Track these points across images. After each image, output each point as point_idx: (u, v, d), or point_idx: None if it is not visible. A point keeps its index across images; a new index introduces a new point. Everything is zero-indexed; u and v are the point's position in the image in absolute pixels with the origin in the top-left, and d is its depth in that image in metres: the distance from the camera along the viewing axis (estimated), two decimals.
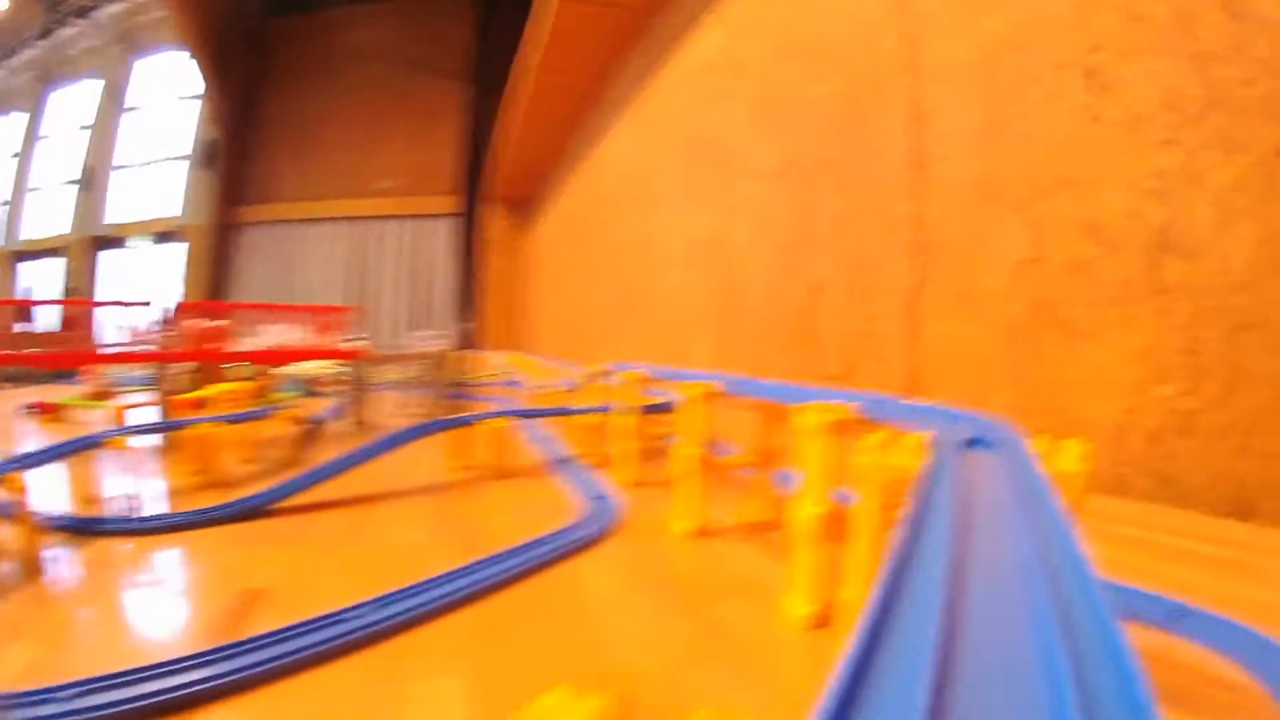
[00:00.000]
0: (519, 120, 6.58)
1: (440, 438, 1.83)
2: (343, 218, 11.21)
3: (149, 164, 11.92)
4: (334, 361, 3.20)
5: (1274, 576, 0.99)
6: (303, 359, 3.02)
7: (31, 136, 12.68)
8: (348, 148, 11.21)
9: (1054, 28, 1.51)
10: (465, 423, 1.85)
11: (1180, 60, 1.25)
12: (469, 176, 9.98)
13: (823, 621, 0.83)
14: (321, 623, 0.84)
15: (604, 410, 1.97)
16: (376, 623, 0.85)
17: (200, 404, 2.34)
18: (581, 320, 5.96)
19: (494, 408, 2.41)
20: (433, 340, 3.33)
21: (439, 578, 0.99)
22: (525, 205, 9.59)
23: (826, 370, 2.28)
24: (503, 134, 7.55)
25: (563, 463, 1.90)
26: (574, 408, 2.19)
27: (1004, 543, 0.35)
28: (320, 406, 2.89)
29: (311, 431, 2.34)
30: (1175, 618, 0.71)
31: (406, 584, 0.96)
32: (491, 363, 5.93)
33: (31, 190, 12.56)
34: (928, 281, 1.90)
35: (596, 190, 5.56)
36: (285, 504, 1.45)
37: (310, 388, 3.52)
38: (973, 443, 0.62)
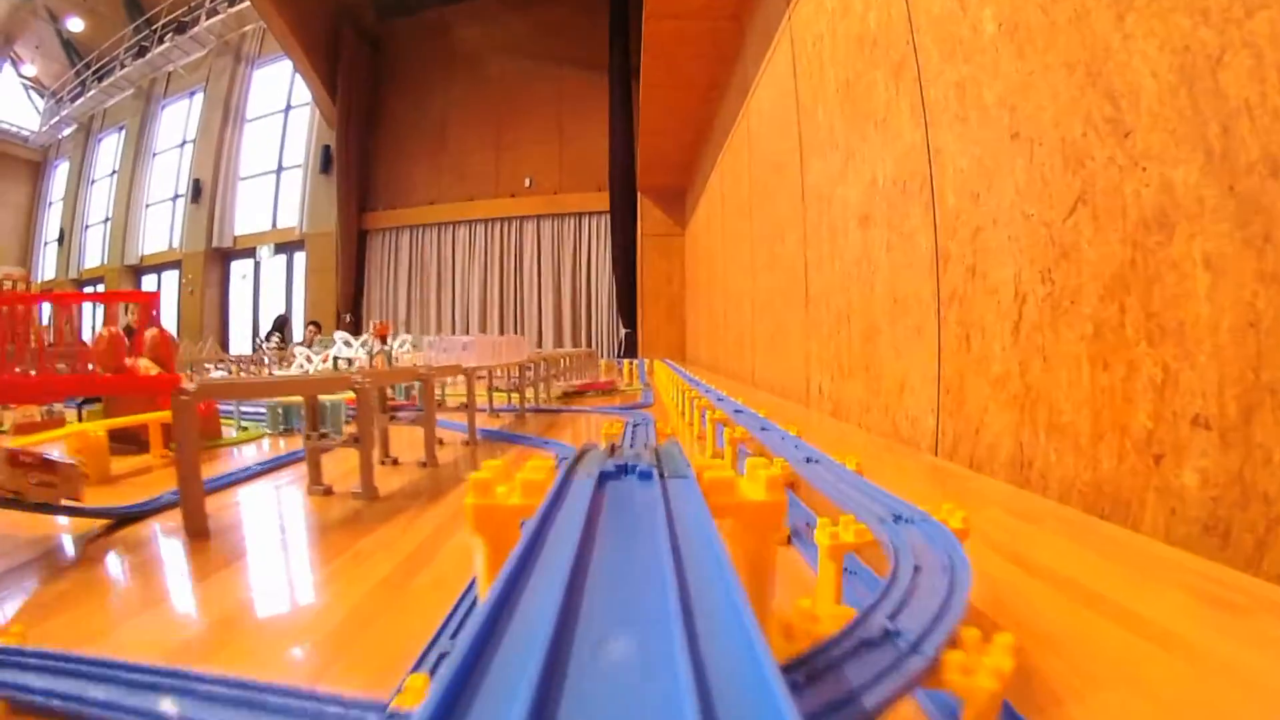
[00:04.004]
0: (647, 90, 5.43)
1: None
2: (481, 220, 10.52)
3: (266, 174, 11.84)
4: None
5: None
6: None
7: (145, 152, 12.99)
8: (480, 147, 10.49)
9: None
10: None
11: None
12: (621, 170, 8.87)
13: None
14: None
15: None
16: None
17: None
18: (735, 321, 4.61)
19: None
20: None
21: None
22: (679, 195, 8.25)
23: (1198, 408, 0.87)
24: (642, 117, 6.40)
25: None
26: None
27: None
28: None
29: None
30: None
31: None
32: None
33: (149, 205, 12.91)
34: None
35: (747, 156, 4.13)
36: None
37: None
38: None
